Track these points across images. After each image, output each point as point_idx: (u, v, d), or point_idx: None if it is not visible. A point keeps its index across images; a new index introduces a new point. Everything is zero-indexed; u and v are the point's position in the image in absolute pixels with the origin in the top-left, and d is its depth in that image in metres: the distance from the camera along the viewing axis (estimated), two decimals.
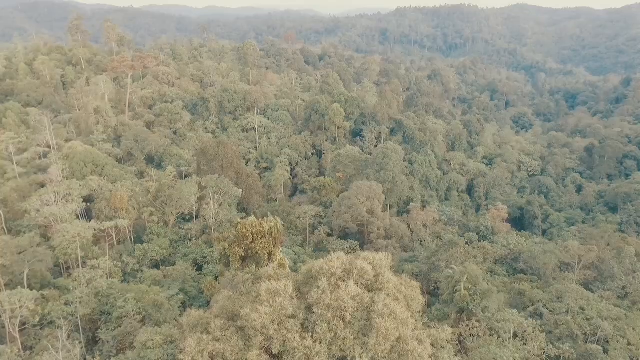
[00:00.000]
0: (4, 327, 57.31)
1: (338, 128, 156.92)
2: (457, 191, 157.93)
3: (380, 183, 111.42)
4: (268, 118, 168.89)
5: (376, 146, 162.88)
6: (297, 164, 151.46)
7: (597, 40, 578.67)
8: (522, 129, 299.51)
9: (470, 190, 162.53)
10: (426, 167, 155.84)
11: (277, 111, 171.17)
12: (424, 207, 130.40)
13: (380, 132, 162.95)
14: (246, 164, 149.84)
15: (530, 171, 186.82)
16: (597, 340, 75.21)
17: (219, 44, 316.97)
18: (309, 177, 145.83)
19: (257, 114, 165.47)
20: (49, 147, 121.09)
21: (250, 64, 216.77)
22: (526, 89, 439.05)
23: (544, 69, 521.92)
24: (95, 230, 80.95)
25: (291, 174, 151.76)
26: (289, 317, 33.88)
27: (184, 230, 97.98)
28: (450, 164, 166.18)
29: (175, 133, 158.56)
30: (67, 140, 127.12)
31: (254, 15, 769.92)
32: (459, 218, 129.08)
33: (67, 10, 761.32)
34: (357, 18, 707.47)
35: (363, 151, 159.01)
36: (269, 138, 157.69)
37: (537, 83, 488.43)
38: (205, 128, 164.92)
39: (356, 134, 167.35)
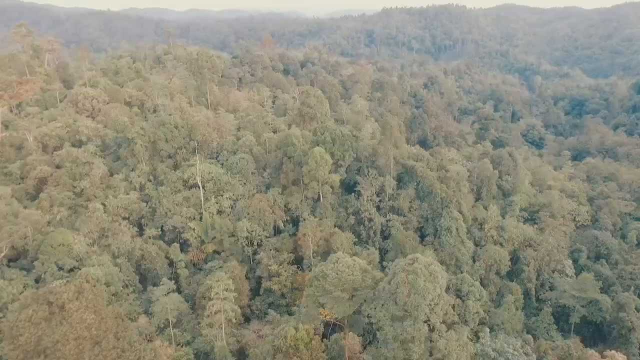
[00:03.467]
0: None
1: (323, 184, 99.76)
2: (498, 275, 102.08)
3: (402, 345, 53.67)
4: (222, 165, 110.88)
5: (379, 207, 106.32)
6: (260, 244, 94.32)
7: (591, 41, 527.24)
8: (532, 144, 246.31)
9: (511, 270, 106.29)
10: (454, 240, 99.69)
11: (235, 154, 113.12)
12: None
13: (383, 185, 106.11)
14: (184, 247, 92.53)
15: (578, 221, 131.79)
16: None
17: (186, 51, 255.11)
18: (278, 266, 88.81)
19: (202, 161, 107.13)
20: None
21: (208, 80, 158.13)
22: (524, 95, 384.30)
23: (538, 71, 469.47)
24: None
25: (252, 260, 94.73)
26: None
27: None
28: (483, 228, 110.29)
29: (80, 194, 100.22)
30: None
31: (235, 17, 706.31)
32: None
33: (39, 13, 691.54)
34: (342, 19, 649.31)
35: (360, 212, 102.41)
36: (217, 202, 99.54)
37: (533, 86, 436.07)
38: (130, 182, 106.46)
39: (349, 187, 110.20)
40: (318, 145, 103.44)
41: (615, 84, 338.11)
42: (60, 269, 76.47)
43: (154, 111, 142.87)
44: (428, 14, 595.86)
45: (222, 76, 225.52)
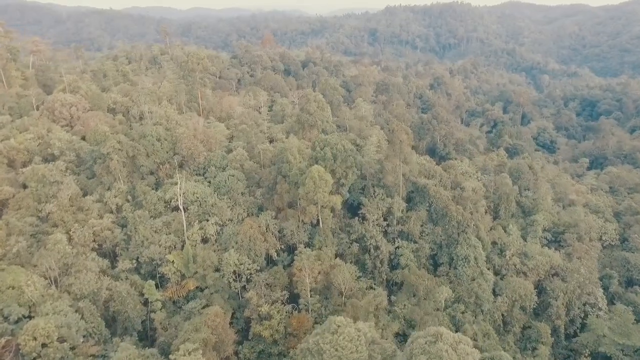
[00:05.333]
0: None
1: (322, 207, 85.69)
2: (523, 310, 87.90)
3: None
4: (210, 183, 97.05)
5: (386, 232, 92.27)
6: (249, 279, 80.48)
7: (598, 39, 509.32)
8: (543, 147, 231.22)
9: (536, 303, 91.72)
10: (473, 271, 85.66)
11: (224, 170, 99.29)
12: None
13: (391, 206, 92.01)
14: (163, 281, 78.96)
15: (605, 240, 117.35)
16: None
17: (183, 51, 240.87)
18: (270, 307, 75.03)
19: (187, 179, 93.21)
20: None
21: (199, 83, 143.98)
22: (533, 95, 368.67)
23: (545, 70, 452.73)
24: None
25: (241, 295, 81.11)
26: None
27: None
28: (504, 254, 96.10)
29: (46, 219, 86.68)
30: None
31: (237, 16, 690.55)
32: None
33: (41, 12, 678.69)
34: (345, 18, 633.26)
35: (365, 239, 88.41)
36: (202, 228, 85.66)
37: (540, 86, 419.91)
38: (105, 204, 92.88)
39: (353, 208, 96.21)
40: (317, 162, 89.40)
41: (627, 84, 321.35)
42: (6, 319, 62.95)
43: (140, 118, 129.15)
44: (432, 11, 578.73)
45: (220, 77, 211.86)
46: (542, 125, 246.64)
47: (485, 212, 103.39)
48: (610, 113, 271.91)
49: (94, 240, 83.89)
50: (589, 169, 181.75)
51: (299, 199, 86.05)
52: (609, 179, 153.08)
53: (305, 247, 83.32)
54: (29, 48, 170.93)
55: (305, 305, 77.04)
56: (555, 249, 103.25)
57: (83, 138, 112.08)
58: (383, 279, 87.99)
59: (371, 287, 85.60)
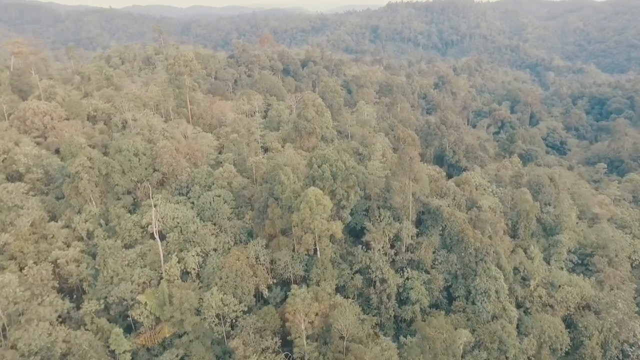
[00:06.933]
0: None
1: (320, 237, 72.85)
2: (552, 351, 75.08)
3: None
4: (192, 204, 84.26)
5: (394, 261, 79.44)
6: (235, 323, 67.94)
7: (604, 34, 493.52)
8: (552, 148, 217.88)
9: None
10: (493, 307, 72.91)
11: (210, 189, 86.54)
12: None
13: (399, 232, 79.13)
14: (137, 324, 66.44)
15: (634, 259, 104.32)
16: None
17: (178, 50, 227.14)
18: (258, 356, 62.53)
19: (167, 200, 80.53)
20: None
21: (188, 88, 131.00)
22: (539, 92, 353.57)
23: (550, 67, 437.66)
24: None
25: (225, 341, 68.52)
26: None
27: None
28: (528, 284, 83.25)
29: (2, 251, 74.16)
30: None
31: (238, 14, 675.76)
32: None
33: (40, 12, 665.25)
34: (346, 15, 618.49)
35: (370, 270, 75.70)
36: (182, 260, 72.92)
37: (545, 83, 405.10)
38: (74, 230, 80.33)
39: (355, 232, 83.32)
40: (314, 182, 76.58)
41: (638, 81, 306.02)
42: None
43: (123, 127, 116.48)
44: (434, 8, 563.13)
45: (215, 78, 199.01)
46: (552, 126, 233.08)
47: (504, 232, 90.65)
48: (621, 112, 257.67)
49: (57, 276, 71.51)
50: (605, 173, 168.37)
51: (294, 226, 73.25)
52: (632, 187, 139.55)
53: (300, 284, 70.64)
54: (10, 49, 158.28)
55: (301, 355, 64.49)
56: (583, 273, 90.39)
57: (57, 151, 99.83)
58: (390, 316, 75.37)
59: (377, 325, 73.30)
